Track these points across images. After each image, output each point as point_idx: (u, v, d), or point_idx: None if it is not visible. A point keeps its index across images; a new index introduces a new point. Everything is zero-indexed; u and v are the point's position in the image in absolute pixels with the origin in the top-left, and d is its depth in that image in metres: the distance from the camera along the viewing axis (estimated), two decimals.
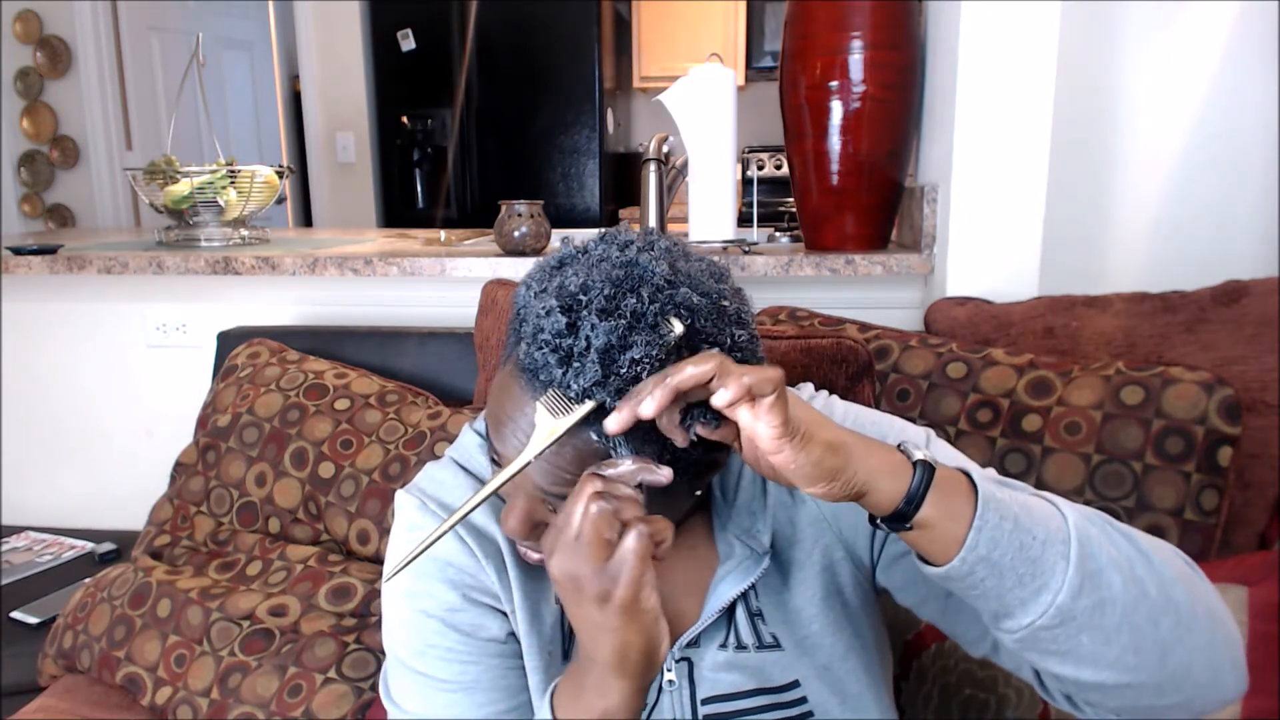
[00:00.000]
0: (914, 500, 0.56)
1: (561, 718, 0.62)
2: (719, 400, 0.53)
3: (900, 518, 0.57)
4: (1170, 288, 1.23)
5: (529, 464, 0.58)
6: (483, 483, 0.76)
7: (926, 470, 0.57)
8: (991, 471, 0.70)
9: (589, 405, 0.57)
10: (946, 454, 0.72)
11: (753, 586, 0.73)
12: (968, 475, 0.59)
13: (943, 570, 0.57)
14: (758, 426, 0.53)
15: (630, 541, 0.55)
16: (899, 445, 0.59)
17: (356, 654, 1.13)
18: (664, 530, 0.57)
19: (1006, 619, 0.58)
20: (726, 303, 0.61)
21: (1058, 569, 0.56)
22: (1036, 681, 0.66)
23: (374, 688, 1.11)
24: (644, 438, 0.60)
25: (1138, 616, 0.57)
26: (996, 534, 0.56)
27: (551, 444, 0.57)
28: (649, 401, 0.53)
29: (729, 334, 0.61)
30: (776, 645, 0.74)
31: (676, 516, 0.71)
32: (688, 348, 0.58)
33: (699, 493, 0.70)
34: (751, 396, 0.53)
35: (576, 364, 0.56)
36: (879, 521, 0.59)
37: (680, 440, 0.57)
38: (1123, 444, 1.06)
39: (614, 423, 0.55)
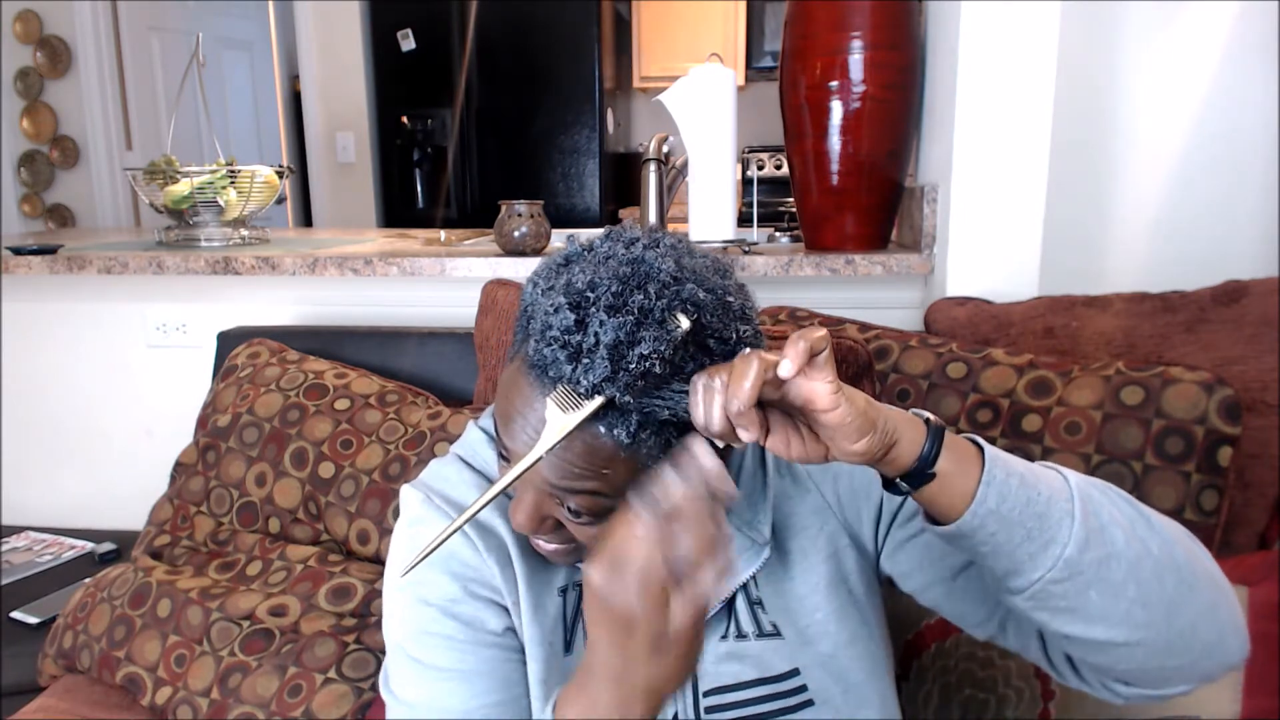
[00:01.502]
0: (933, 450, 0.58)
1: None
2: (784, 371, 0.54)
3: (919, 470, 0.59)
4: (1170, 288, 1.23)
5: (540, 459, 0.59)
6: (487, 479, 0.77)
7: (937, 425, 0.60)
8: None
9: (598, 401, 0.57)
10: None
11: (753, 576, 0.74)
12: (971, 438, 0.61)
13: (953, 527, 0.59)
14: (815, 387, 0.54)
15: (686, 608, 0.56)
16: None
17: (356, 654, 1.13)
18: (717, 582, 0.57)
19: (1016, 576, 0.60)
20: (731, 298, 0.62)
21: (1064, 523, 0.58)
22: (1041, 651, 0.68)
23: (374, 688, 1.11)
24: (653, 432, 0.60)
25: (1143, 571, 0.59)
26: (1004, 489, 0.58)
27: (562, 440, 0.58)
28: (742, 433, 0.55)
29: (734, 329, 0.61)
30: (776, 633, 0.74)
31: None
32: (694, 343, 0.59)
33: None
34: (811, 355, 0.54)
35: (586, 360, 0.56)
36: (897, 480, 0.60)
37: (748, 437, 0.57)
38: (1123, 444, 1.06)
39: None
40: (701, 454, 0.58)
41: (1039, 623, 0.63)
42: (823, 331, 0.55)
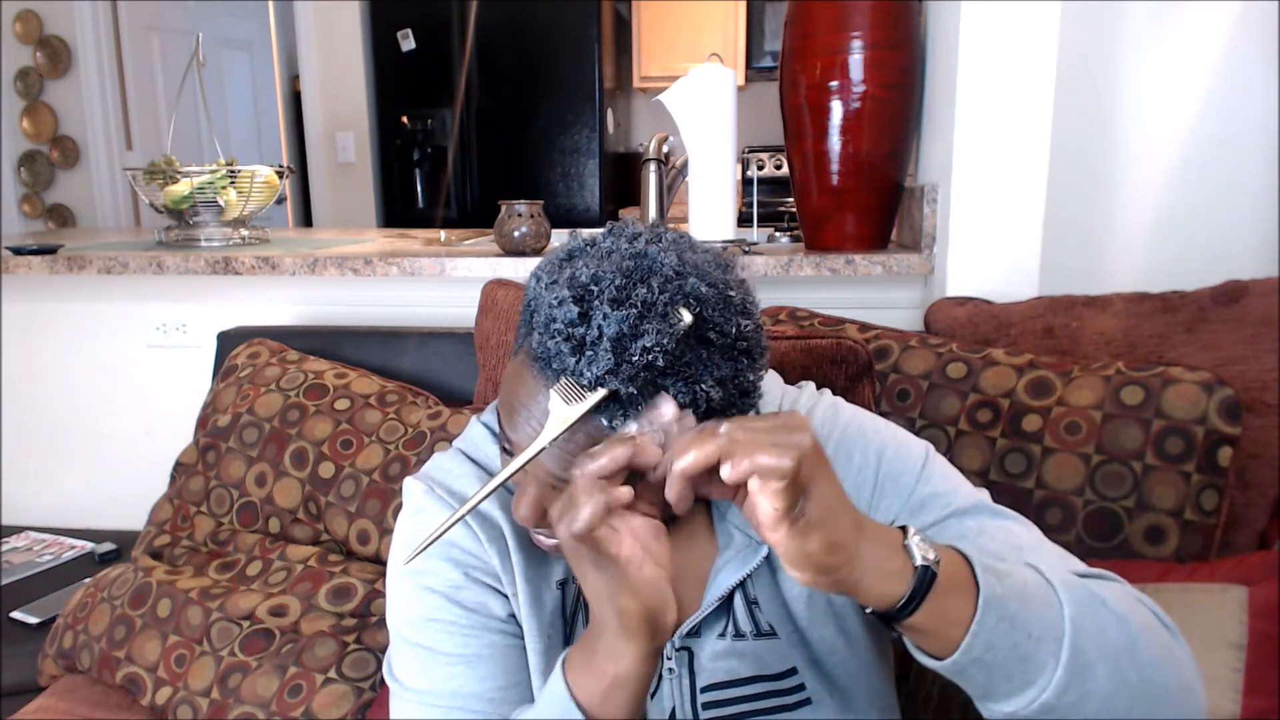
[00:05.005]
0: (905, 609, 0.55)
1: (573, 682, 0.62)
2: (724, 474, 0.51)
3: (889, 617, 0.56)
4: (1170, 288, 1.23)
5: (543, 450, 0.59)
6: (488, 472, 0.77)
7: (925, 576, 0.55)
8: (984, 494, 0.69)
9: (601, 392, 0.58)
10: (943, 473, 0.73)
11: (749, 575, 0.74)
12: (971, 568, 0.57)
13: (935, 665, 0.57)
14: (760, 500, 0.52)
15: (584, 512, 0.55)
16: (904, 533, 0.57)
17: (356, 654, 1.13)
18: (620, 495, 0.57)
19: (989, 702, 0.58)
20: (733, 293, 0.62)
21: (1047, 667, 0.56)
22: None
23: (374, 688, 1.11)
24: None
25: (1116, 703, 0.57)
26: (993, 636, 0.55)
27: (565, 430, 0.58)
28: (669, 490, 0.54)
29: (735, 323, 0.61)
30: (773, 633, 0.75)
31: None
32: (696, 337, 0.60)
33: None
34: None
35: (589, 352, 0.57)
36: (869, 611, 0.57)
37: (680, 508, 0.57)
38: (1123, 444, 1.06)
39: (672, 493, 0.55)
40: (666, 408, 0.58)
41: None
42: (788, 464, 0.50)
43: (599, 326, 0.57)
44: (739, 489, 0.54)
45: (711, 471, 0.53)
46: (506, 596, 0.74)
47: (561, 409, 0.58)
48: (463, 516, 0.60)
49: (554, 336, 0.58)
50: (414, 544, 0.72)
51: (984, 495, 0.71)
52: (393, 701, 0.75)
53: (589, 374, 0.57)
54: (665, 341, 0.57)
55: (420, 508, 0.76)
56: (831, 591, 0.55)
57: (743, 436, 0.51)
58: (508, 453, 0.66)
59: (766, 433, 0.52)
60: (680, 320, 0.58)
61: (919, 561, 0.55)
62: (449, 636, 0.72)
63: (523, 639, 0.74)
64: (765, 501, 0.51)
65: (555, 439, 0.59)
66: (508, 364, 0.67)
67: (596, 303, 0.57)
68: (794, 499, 0.51)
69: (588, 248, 0.64)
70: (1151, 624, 0.61)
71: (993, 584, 0.56)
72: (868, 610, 0.56)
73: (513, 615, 0.74)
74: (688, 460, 0.52)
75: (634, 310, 0.57)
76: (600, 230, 0.66)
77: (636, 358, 0.57)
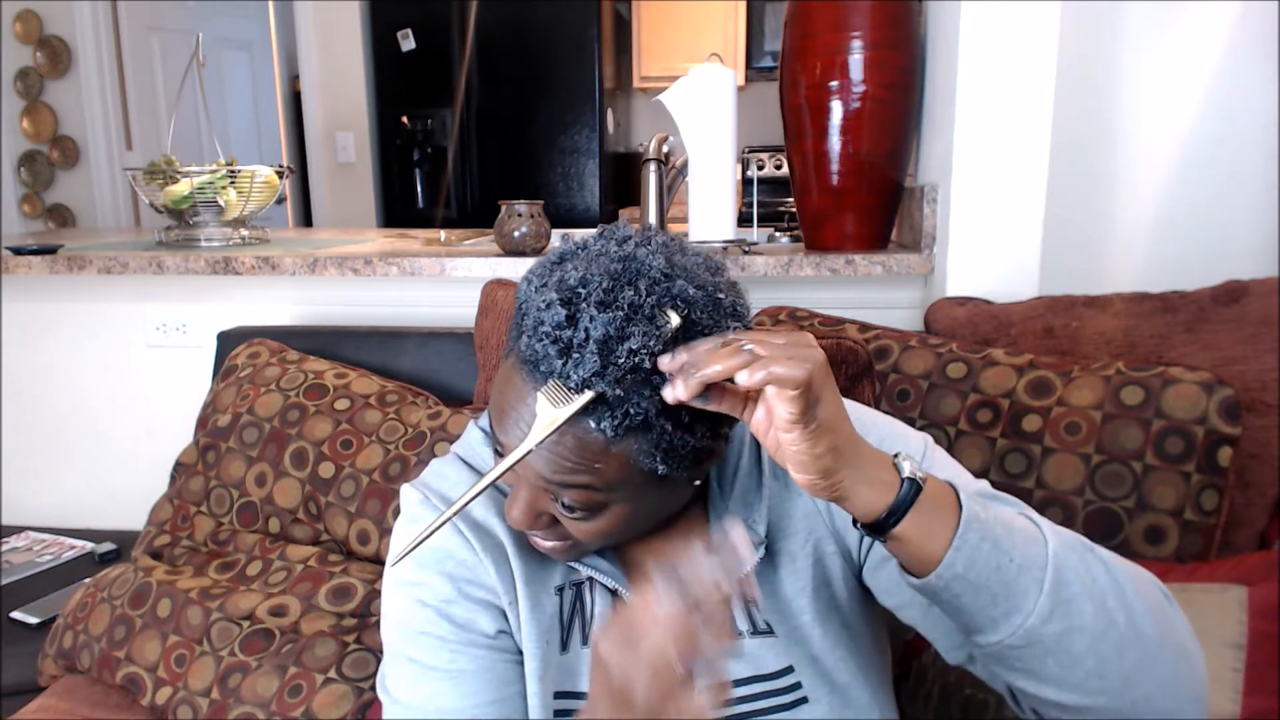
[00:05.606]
0: (892, 516, 0.58)
1: None
2: (740, 381, 0.54)
3: (877, 528, 0.59)
4: (1170, 288, 1.23)
5: (530, 452, 0.60)
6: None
7: (911, 489, 0.58)
8: (985, 484, 0.71)
9: (588, 395, 0.58)
10: (943, 464, 0.73)
11: (746, 575, 0.74)
12: (956, 491, 0.60)
13: (919, 582, 0.59)
14: (777, 405, 0.55)
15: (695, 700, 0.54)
16: (895, 456, 0.60)
17: (356, 654, 1.13)
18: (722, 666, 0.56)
19: (977, 633, 0.60)
20: (722, 295, 0.63)
21: (1030, 594, 0.58)
22: (1008, 693, 0.68)
23: (374, 687, 1.11)
24: (644, 426, 0.60)
25: (1104, 646, 0.58)
26: (975, 554, 0.57)
27: (552, 433, 0.59)
28: (680, 388, 0.56)
29: (725, 326, 0.62)
30: (770, 632, 0.75)
31: (676, 506, 0.72)
32: (684, 339, 0.60)
33: (697, 482, 0.70)
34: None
35: (576, 355, 0.57)
36: (859, 525, 0.61)
37: (682, 396, 0.58)
38: (1123, 444, 1.06)
39: (670, 396, 0.57)
40: (740, 543, 0.57)
41: (996, 672, 0.64)
42: (803, 374, 0.53)
43: (585, 329, 0.57)
44: (744, 404, 0.58)
45: (720, 384, 0.56)
46: (500, 609, 0.74)
47: (548, 411, 0.59)
48: (447, 521, 0.61)
49: (542, 339, 0.58)
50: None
51: (984, 485, 0.71)
52: (384, 712, 0.76)
53: (576, 376, 0.57)
54: (652, 344, 0.57)
55: (414, 516, 0.76)
56: (830, 499, 0.58)
57: (763, 351, 0.54)
58: (500, 455, 0.67)
59: (782, 348, 0.55)
60: (668, 323, 0.58)
61: (906, 474, 0.59)
62: (437, 652, 0.73)
63: (514, 652, 0.74)
64: (781, 407, 0.54)
65: (542, 441, 0.59)
66: (499, 368, 0.67)
67: (584, 305, 0.58)
68: (806, 405, 0.54)
69: (578, 251, 0.64)
70: (1144, 580, 0.62)
71: (975, 509, 0.59)
72: (858, 525, 0.60)
73: (503, 631, 0.74)
74: (713, 371, 0.54)
75: (620, 313, 0.57)
76: (592, 233, 0.66)
77: (623, 360, 0.57)
